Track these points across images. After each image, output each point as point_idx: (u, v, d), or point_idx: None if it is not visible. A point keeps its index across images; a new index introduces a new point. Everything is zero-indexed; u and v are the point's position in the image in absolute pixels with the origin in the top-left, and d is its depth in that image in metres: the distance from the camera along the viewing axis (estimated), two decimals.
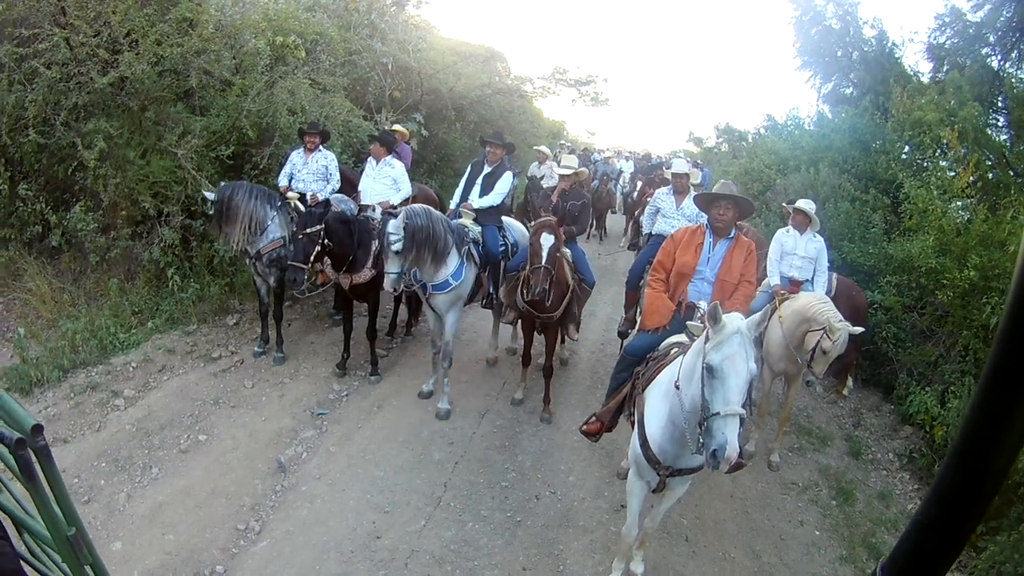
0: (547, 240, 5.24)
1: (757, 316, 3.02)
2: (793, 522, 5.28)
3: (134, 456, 5.12)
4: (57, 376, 5.89)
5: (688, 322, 4.03)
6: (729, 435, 2.81)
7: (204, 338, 6.90)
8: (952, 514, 0.69)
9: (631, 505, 3.96)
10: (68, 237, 7.40)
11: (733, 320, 2.96)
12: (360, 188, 7.01)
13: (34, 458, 0.98)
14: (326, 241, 5.87)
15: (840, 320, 5.11)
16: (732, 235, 4.28)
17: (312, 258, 5.84)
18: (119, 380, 6.02)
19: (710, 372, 2.91)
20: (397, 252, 5.32)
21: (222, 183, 6.54)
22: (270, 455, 5.31)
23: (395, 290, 5.58)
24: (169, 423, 5.56)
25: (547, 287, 5.25)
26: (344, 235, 6.03)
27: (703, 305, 4.08)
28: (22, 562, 1.12)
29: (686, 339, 3.93)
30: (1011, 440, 0.64)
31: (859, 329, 5.12)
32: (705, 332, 3.03)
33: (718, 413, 2.85)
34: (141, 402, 5.80)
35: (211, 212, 6.33)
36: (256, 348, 6.82)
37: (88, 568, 1.13)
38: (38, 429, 0.97)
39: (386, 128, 8.99)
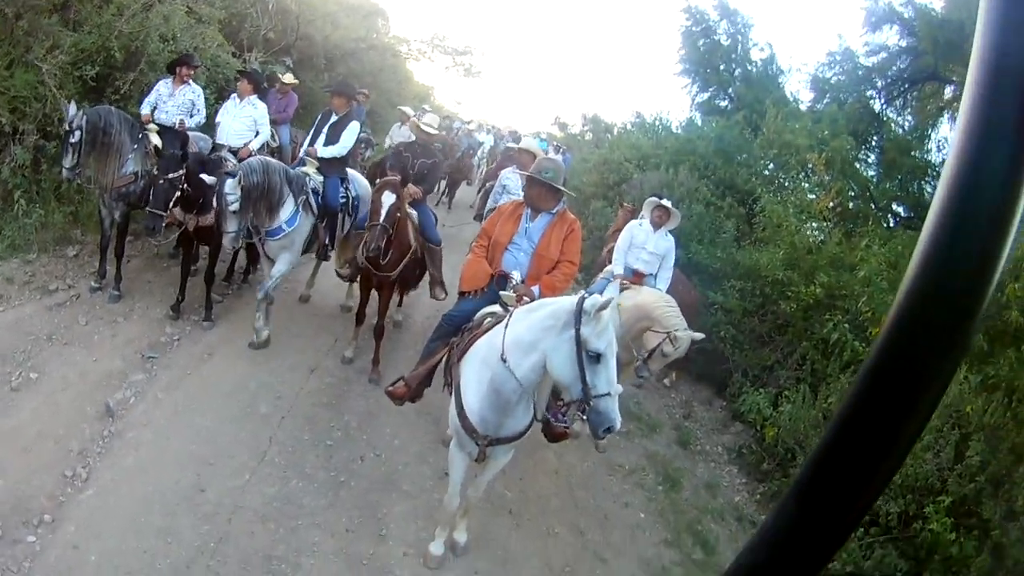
0: (387, 199, 5.25)
1: (604, 299, 3.19)
2: (618, 503, 5.54)
3: None
4: None
5: (501, 292, 4.11)
6: (617, 411, 3.11)
7: (43, 268, 6.45)
8: (819, 524, 0.56)
9: (452, 475, 4.06)
10: None
11: (608, 308, 3.12)
12: (218, 123, 6.81)
13: None
14: (185, 186, 5.64)
15: (685, 329, 5.28)
16: (555, 210, 4.36)
17: (171, 204, 5.63)
18: None
19: (596, 358, 3.08)
20: (234, 212, 5.28)
21: (85, 105, 6.12)
22: (99, 398, 5.08)
23: (232, 247, 5.60)
24: (2, 358, 5.22)
25: (381, 245, 5.27)
26: (201, 176, 5.79)
27: (516, 275, 4.20)
28: None
29: (499, 309, 4.03)
30: (868, 488, 0.55)
31: (700, 335, 5.36)
32: (576, 315, 3.14)
33: (608, 394, 3.08)
34: None
35: (73, 137, 5.75)
36: (93, 283, 6.44)
37: None
38: None
39: (255, 67, 8.71)
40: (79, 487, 4.30)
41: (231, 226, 5.33)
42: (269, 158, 5.76)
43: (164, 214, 5.63)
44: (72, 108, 5.77)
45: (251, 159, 5.61)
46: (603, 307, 3.09)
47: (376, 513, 4.64)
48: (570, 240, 4.34)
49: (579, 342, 3.10)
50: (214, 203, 5.85)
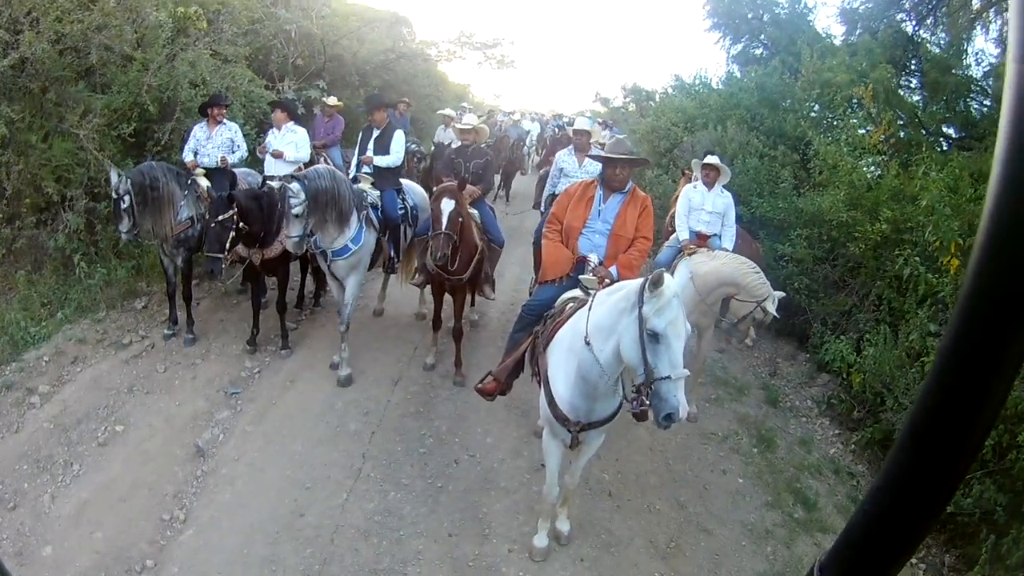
0: (447, 206, 5.22)
1: (683, 279, 3.08)
2: (716, 471, 5.42)
3: (54, 454, 4.94)
4: None
5: (581, 276, 4.05)
6: (680, 397, 2.89)
7: (114, 324, 6.64)
8: (907, 506, 0.58)
9: (549, 464, 4.00)
10: None
11: (670, 284, 2.97)
12: (263, 157, 6.89)
13: None
14: (241, 225, 5.67)
15: (771, 293, 5.20)
16: (626, 189, 4.29)
17: (228, 246, 5.65)
18: (33, 376, 5.77)
19: (655, 338, 2.93)
20: (298, 215, 5.28)
21: (129, 164, 6.27)
22: (187, 440, 5.19)
23: (297, 252, 5.62)
24: (85, 416, 5.36)
25: (447, 252, 5.25)
26: (256, 213, 5.86)
27: (594, 258, 4.12)
28: None
29: (580, 293, 3.96)
30: (981, 419, 0.55)
31: (781, 294, 5.29)
32: (639, 293, 3.02)
33: (668, 377, 2.90)
34: (56, 397, 5.57)
35: (124, 203, 5.84)
36: (166, 330, 6.59)
37: None
38: None
39: (289, 96, 8.79)
40: (178, 529, 4.37)
41: (294, 230, 5.34)
42: (335, 169, 5.78)
43: (221, 256, 5.66)
44: (114, 175, 5.87)
45: (319, 167, 5.64)
46: (656, 282, 2.94)
47: (477, 514, 4.61)
48: (644, 216, 4.26)
49: (641, 322, 2.98)
50: (278, 236, 5.95)
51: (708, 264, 5.57)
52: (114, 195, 5.84)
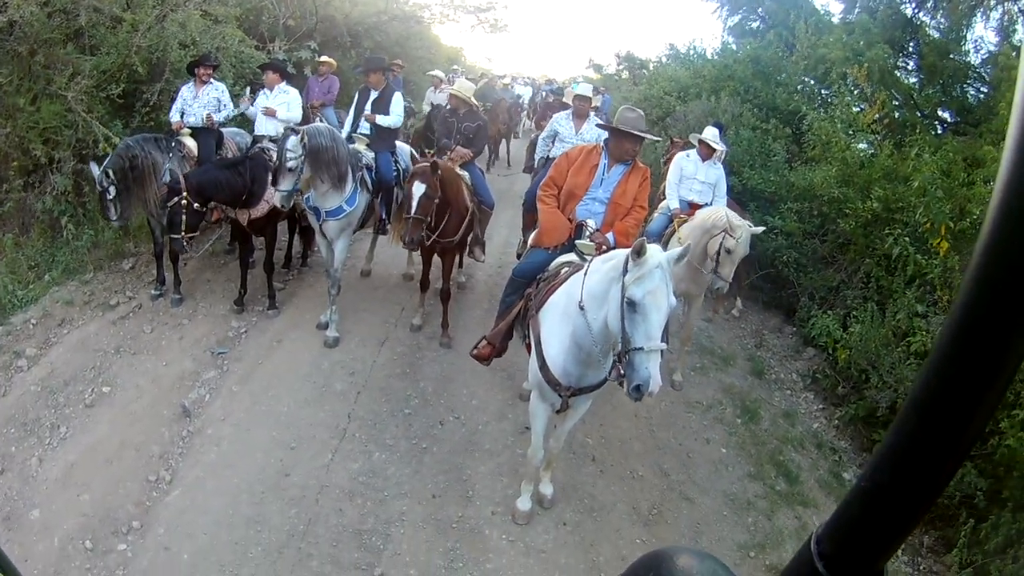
0: (418, 189, 5.17)
1: (677, 251, 3.02)
2: (699, 440, 5.47)
3: (42, 417, 4.93)
4: None
5: (578, 241, 4.03)
6: (652, 370, 2.85)
7: (101, 285, 6.60)
8: (908, 482, 0.57)
9: (535, 428, 3.99)
10: None
11: (655, 254, 2.94)
12: (253, 116, 6.85)
13: None
14: (195, 206, 5.65)
15: (739, 219, 5.25)
16: (630, 160, 4.25)
17: (183, 225, 5.64)
18: (20, 339, 5.75)
19: (632, 306, 2.90)
20: (291, 169, 5.26)
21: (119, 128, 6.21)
22: (174, 400, 5.18)
23: (283, 207, 5.57)
24: (73, 378, 5.35)
25: (416, 239, 5.25)
26: (222, 183, 5.83)
27: (591, 224, 4.10)
28: None
29: (575, 258, 3.94)
30: (989, 394, 0.53)
31: (760, 228, 5.39)
32: (625, 262, 3.00)
33: (641, 348, 2.86)
34: (43, 360, 5.55)
35: (109, 194, 5.78)
36: (153, 291, 6.56)
37: None
38: None
39: (280, 57, 8.71)
40: (164, 490, 4.39)
41: (285, 184, 5.33)
42: (335, 129, 5.75)
43: (179, 236, 5.66)
44: (95, 170, 5.82)
45: (319, 124, 5.62)
46: (639, 251, 2.93)
47: (461, 476, 4.65)
48: (643, 187, 4.23)
49: (623, 290, 2.96)
50: (264, 194, 5.94)
51: (690, 224, 5.65)
52: (98, 188, 5.81)
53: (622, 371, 2.98)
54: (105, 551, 3.92)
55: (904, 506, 0.58)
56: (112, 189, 5.76)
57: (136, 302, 6.44)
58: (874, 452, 0.62)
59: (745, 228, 5.22)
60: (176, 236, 5.64)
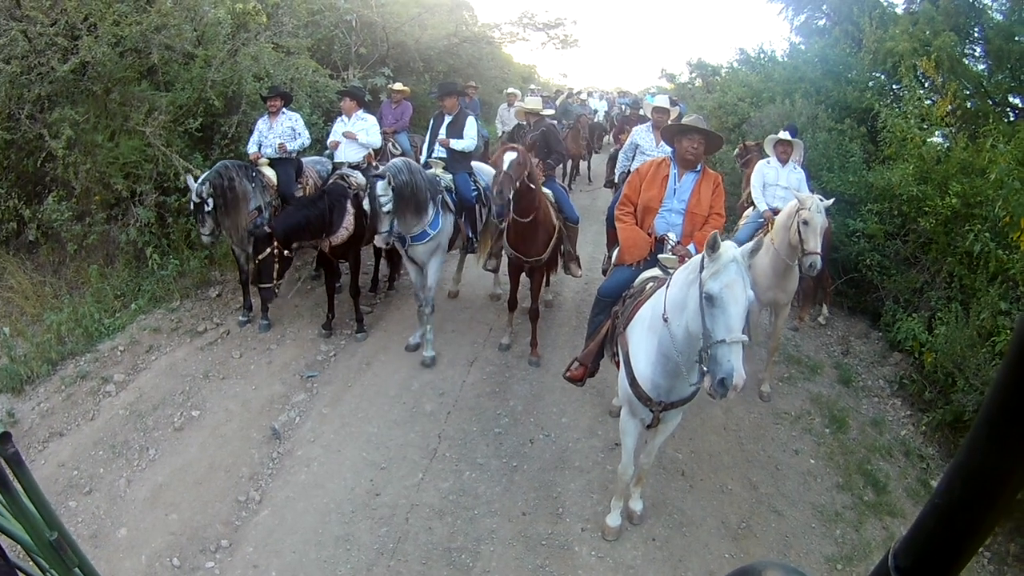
0: (509, 156, 5.15)
1: (750, 244, 3.01)
2: (788, 451, 5.34)
3: (130, 440, 5.10)
4: (47, 370, 5.83)
5: (660, 255, 4.01)
6: (735, 362, 2.83)
7: (188, 313, 6.83)
8: (979, 498, 0.57)
9: (625, 444, 3.97)
10: (44, 230, 7.31)
11: (729, 249, 2.95)
12: (333, 144, 6.98)
13: (6, 467, 0.95)
14: (285, 253, 5.85)
15: (809, 195, 5.19)
16: (699, 168, 4.22)
17: (276, 275, 5.85)
18: (108, 366, 5.96)
19: (710, 301, 2.90)
20: (388, 212, 5.40)
21: (197, 157, 6.43)
22: (264, 423, 5.31)
23: (386, 245, 5.73)
24: (161, 403, 5.52)
25: (509, 195, 5.15)
26: (310, 220, 6.00)
27: (672, 237, 4.07)
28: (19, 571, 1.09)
29: (659, 273, 3.92)
30: None
31: (830, 201, 5.36)
32: (700, 261, 3.01)
33: (723, 340, 2.85)
34: (132, 385, 5.75)
35: (208, 206, 6.00)
36: (240, 317, 6.75)
37: (77, 570, 1.09)
38: (6, 437, 0.94)
39: (355, 84, 8.88)
40: (254, 510, 4.48)
41: (383, 226, 5.49)
42: (410, 159, 5.88)
43: (270, 285, 5.87)
44: (192, 181, 6.06)
45: (395, 161, 5.70)
46: (712, 246, 2.93)
47: (551, 493, 4.63)
48: (717, 193, 4.20)
49: (700, 287, 2.96)
50: (343, 221, 6.13)
51: (775, 227, 5.58)
52: (195, 199, 5.98)
53: (704, 368, 2.95)
54: (193, 568, 4.02)
55: (976, 521, 0.59)
56: (211, 201, 5.97)
57: (223, 328, 6.63)
58: (947, 468, 0.61)
59: (814, 198, 5.15)
60: (266, 286, 5.84)
